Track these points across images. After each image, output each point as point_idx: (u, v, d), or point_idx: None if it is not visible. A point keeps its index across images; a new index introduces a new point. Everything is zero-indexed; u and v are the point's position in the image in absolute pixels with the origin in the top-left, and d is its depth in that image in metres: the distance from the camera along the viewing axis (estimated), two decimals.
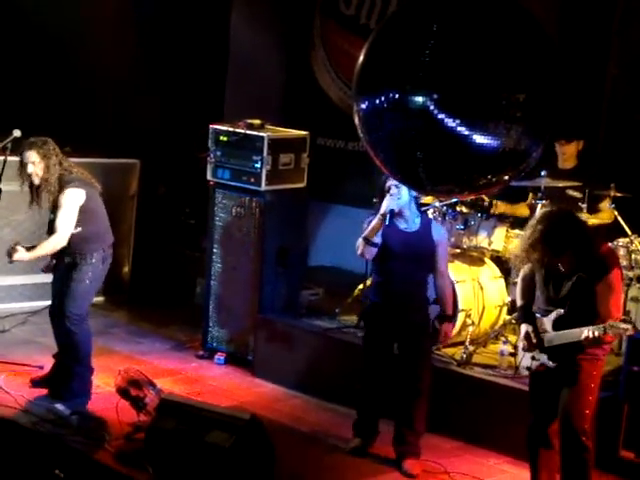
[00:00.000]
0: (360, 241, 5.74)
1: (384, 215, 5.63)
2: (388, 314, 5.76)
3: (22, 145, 6.01)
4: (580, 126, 6.92)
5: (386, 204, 5.65)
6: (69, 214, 5.96)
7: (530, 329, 5.09)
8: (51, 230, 6.00)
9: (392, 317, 5.75)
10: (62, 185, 6.00)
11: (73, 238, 6.00)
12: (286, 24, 8.69)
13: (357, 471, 5.71)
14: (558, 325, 5.00)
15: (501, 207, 6.94)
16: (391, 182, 5.70)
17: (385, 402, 5.91)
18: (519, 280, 5.31)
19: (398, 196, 5.66)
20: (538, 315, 5.10)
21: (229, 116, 7.93)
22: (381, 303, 5.79)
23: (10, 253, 5.91)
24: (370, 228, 5.70)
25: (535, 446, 5.21)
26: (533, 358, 5.11)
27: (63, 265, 6.08)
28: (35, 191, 6.03)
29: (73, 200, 5.99)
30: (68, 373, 6.19)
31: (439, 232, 5.85)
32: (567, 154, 6.83)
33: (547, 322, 5.05)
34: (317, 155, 7.58)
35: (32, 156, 5.97)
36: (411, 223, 5.77)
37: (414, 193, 5.72)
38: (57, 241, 5.96)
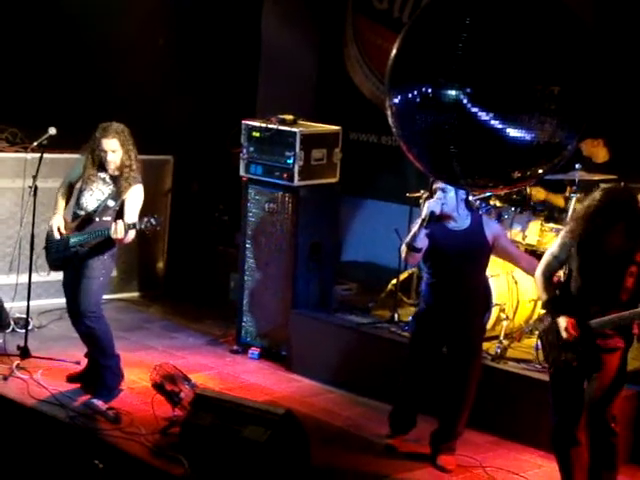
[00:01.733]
0: (403, 247, 5.66)
1: (424, 220, 5.54)
2: (441, 316, 5.69)
3: (101, 131, 5.95)
4: (614, 120, 6.85)
5: (427, 207, 5.56)
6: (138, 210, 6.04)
7: (569, 320, 4.99)
8: (99, 214, 6.01)
9: (445, 319, 5.68)
10: (134, 179, 6.03)
11: (102, 225, 6.02)
12: (318, 19, 8.69)
13: (392, 466, 5.70)
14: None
15: (541, 194, 6.88)
16: (438, 185, 5.61)
17: (424, 397, 5.88)
18: (540, 275, 5.16)
19: (443, 201, 5.56)
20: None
21: (261, 112, 7.95)
22: (434, 305, 5.70)
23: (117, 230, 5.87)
24: (411, 234, 5.61)
25: (564, 447, 5.16)
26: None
27: (73, 265, 6.11)
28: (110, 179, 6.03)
29: (142, 197, 6.07)
30: (99, 368, 6.25)
31: (491, 227, 5.73)
32: (586, 152, 6.80)
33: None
34: (350, 150, 7.57)
35: (112, 144, 5.96)
36: (461, 222, 5.67)
37: (463, 195, 5.63)
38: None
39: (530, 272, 5.60)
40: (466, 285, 5.65)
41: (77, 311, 6.13)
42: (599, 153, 6.80)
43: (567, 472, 5.20)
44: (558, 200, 6.91)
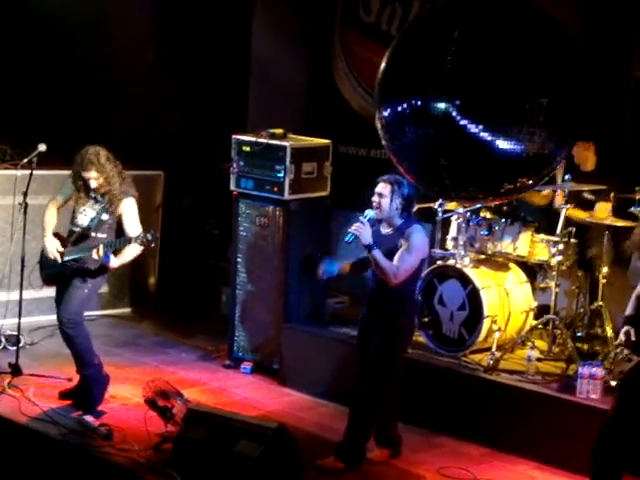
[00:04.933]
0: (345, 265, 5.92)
1: (347, 241, 5.60)
2: (368, 320, 5.75)
3: (79, 161, 6.06)
4: (601, 129, 6.88)
5: (348, 234, 5.59)
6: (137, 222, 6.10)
7: (631, 329, 5.05)
8: (94, 230, 6.05)
9: (370, 323, 5.74)
10: (123, 192, 6.09)
11: (99, 241, 6.04)
12: (307, 33, 8.71)
13: (387, 478, 5.69)
14: None
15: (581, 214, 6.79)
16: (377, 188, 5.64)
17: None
18: (634, 296, 5.24)
19: (360, 232, 5.53)
20: None
21: (252, 126, 7.96)
22: (366, 308, 5.79)
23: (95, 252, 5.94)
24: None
25: (616, 466, 5.06)
26: (628, 360, 5.08)
27: (65, 278, 6.12)
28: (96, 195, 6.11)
29: (135, 208, 6.13)
30: (85, 382, 6.25)
31: (407, 233, 5.58)
32: (578, 157, 6.78)
33: None
34: (340, 163, 7.59)
35: (91, 174, 6.05)
36: (392, 228, 5.68)
37: (399, 204, 5.59)
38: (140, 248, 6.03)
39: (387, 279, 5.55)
40: (382, 288, 5.62)
41: (57, 318, 6.17)
42: (589, 159, 6.80)
43: None
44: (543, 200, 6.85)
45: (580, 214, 6.68)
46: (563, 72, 5.47)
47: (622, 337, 5.13)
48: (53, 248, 6.14)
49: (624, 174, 6.81)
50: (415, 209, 6.83)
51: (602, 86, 6.77)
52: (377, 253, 5.52)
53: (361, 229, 5.51)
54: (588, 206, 6.73)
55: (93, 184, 6.09)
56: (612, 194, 6.60)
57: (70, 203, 6.24)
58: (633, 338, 5.05)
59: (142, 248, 6.03)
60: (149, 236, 5.94)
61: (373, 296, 5.73)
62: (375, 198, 5.66)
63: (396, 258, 5.57)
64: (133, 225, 6.10)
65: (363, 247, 5.55)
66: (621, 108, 7.03)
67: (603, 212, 6.59)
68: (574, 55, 5.57)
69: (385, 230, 5.70)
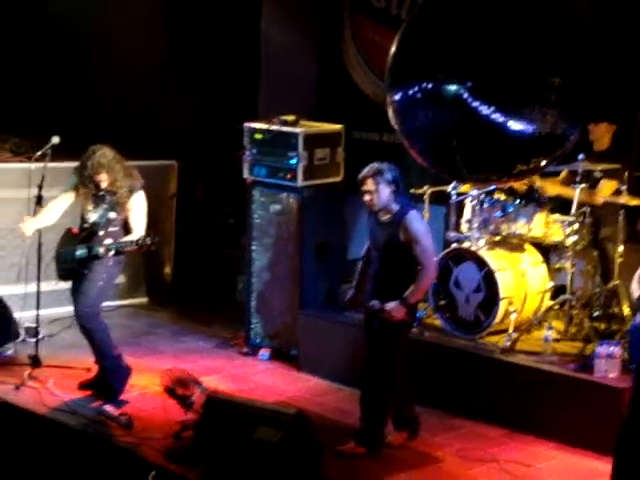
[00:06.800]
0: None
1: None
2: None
3: (89, 165, 6.12)
4: (614, 108, 6.83)
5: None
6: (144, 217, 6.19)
7: None
8: (103, 227, 6.12)
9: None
10: (131, 188, 6.14)
11: (110, 236, 6.09)
12: (317, 19, 8.69)
13: (404, 463, 5.71)
14: None
15: (553, 188, 6.78)
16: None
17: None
18: (638, 275, 5.15)
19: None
20: None
21: (263, 113, 7.95)
22: (370, 292, 5.77)
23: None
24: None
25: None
26: None
27: (79, 272, 6.19)
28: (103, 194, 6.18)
29: (144, 203, 6.19)
30: (105, 373, 6.29)
31: (408, 226, 5.54)
32: (596, 135, 6.72)
33: None
34: (352, 149, 7.58)
35: (102, 177, 6.12)
36: (390, 215, 5.66)
37: (390, 189, 5.56)
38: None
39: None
40: (382, 276, 5.65)
41: (75, 311, 6.22)
42: (604, 137, 6.74)
43: None
44: (569, 192, 6.81)
45: (614, 184, 6.58)
46: (575, 51, 5.44)
47: None
48: (26, 225, 6.27)
49: (637, 153, 6.77)
50: (425, 192, 6.82)
51: (614, 65, 6.73)
52: (411, 297, 5.54)
53: (395, 313, 5.52)
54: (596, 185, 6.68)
55: (104, 185, 6.16)
56: (626, 173, 6.56)
57: (79, 200, 6.28)
58: None
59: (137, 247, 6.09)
60: (148, 240, 6.05)
61: (377, 276, 5.73)
62: (366, 197, 5.63)
63: (416, 257, 5.54)
64: (140, 222, 6.15)
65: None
66: (635, 86, 6.99)
67: (608, 190, 6.55)
68: (585, 34, 5.55)
69: (383, 217, 5.68)
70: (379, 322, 5.67)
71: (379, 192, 5.59)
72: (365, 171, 5.66)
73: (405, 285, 5.59)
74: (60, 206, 6.33)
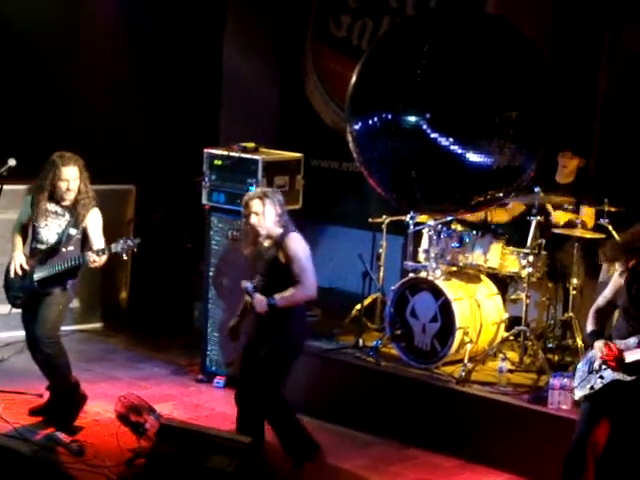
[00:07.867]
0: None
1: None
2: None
3: (57, 161, 6.00)
4: (579, 143, 6.93)
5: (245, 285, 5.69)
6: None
7: (604, 343, 4.97)
8: (64, 245, 6.01)
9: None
10: (92, 201, 6.08)
11: (70, 254, 6.02)
12: (279, 47, 8.74)
13: None
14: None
15: (504, 216, 6.87)
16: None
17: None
18: (592, 312, 5.21)
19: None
20: (617, 341, 4.98)
21: (224, 140, 7.96)
22: (256, 323, 5.79)
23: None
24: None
25: (578, 474, 5.09)
26: (601, 377, 4.98)
27: (34, 296, 6.08)
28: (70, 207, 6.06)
29: (101, 219, 6.12)
30: (59, 399, 6.20)
31: (288, 247, 5.56)
32: (569, 168, 6.82)
33: (626, 343, 4.94)
34: (311, 177, 7.60)
35: (73, 172, 5.98)
36: (272, 239, 5.69)
37: (274, 215, 5.57)
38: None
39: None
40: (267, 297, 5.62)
41: (33, 338, 6.10)
42: (574, 171, 6.82)
43: None
44: (519, 209, 6.87)
45: (568, 215, 6.67)
46: (532, 86, 5.52)
47: (603, 351, 4.97)
48: (18, 264, 6.08)
49: (593, 187, 6.87)
50: (383, 221, 6.86)
51: (570, 100, 6.84)
52: (279, 300, 5.54)
53: (258, 305, 5.54)
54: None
55: (72, 185, 6.00)
56: (579, 206, 6.65)
57: (32, 218, 6.15)
58: (616, 349, 4.92)
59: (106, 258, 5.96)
60: (130, 242, 5.96)
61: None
62: (252, 219, 5.61)
63: (295, 276, 5.55)
64: (99, 236, 6.08)
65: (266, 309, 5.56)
66: (589, 122, 7.11)
67: (588, 217, 6.64)
68: (542, 69, 5.63)
69: (266, 243, 5.69)
70: (267, 350, 5.65)
71: (265, 214, 5.60)
72: (251, 194, 5.72)
73: (289, 309, 5.61)
74: (25, 228, 6.21)
